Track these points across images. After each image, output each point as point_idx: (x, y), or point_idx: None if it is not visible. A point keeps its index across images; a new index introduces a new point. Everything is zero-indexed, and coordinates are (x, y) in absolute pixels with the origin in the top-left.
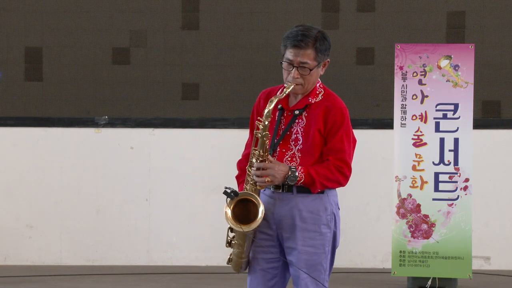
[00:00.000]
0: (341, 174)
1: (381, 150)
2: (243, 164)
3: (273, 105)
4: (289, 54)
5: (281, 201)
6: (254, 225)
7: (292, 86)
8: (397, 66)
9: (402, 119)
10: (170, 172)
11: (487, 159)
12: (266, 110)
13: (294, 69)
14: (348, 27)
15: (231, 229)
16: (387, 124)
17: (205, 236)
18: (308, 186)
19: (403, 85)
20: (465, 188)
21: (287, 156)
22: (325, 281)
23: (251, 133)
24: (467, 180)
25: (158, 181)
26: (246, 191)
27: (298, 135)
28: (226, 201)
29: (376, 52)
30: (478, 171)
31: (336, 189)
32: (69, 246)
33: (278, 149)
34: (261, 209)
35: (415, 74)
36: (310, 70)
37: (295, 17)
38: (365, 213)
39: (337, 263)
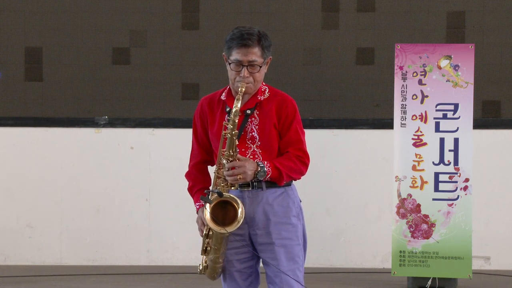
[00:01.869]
0: (302, 163)
1: (381, 150)
2: (193, 174)
3: (239, 103)
4: (236, 54)
5: (251, 198)
6: (237, 225)
7: (245, 85)
8: (397, 66)
9: (402, 119)
10: (170, 172)
11: (487, 159)
12: (234, 109)
13: (244, 69)
14: (348, 27)
15: (207, 235)
16: (387, 124)
17: None
18: (275, 179)
19: (403, 85)
20: (465, 188)
21: (248, 155)
22: (303, 274)
23: (196, 141)
24: (467, 180)
25: (158, 181)
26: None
27: (253, 133)
28: (205, 206)
29: (376, 52)
30: (478, 171)
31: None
32: (69, 246)
33: (237, 150)
34: (241, 209)
35: (415, 74)
36: (260, 67)
37: (295, 17)
38: (365, 213)
39: (337, 263)
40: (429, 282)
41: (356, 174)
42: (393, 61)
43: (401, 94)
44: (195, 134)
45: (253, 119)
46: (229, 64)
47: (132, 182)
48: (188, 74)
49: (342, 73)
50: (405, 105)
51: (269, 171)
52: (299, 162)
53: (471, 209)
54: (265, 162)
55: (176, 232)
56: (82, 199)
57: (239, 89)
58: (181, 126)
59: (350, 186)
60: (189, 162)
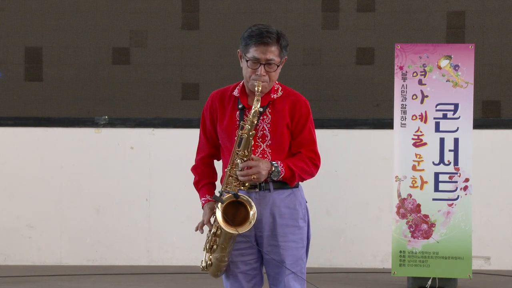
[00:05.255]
0: (314, 165)
1: (381, 150)
2: (200, 169)
3: (259, 104)
4: (254, 52)
5: (258, 200)
6: (249, 226)
7: (262, 84)
8: (397, 66)
9: (402, 119)
10: (170, 172)
11: (487, 159)
12: (253, 110)
13: (261, 67)
14: (348, 27)
15: (215, 234)
16: (387, 124)
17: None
18: (287, 180)
19: (403, 85)
20: (465, 188)
21: (258, 153)
22: (305, 275)
23: (203, 136)
24: (467, 180)
25: (158, 181)
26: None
27: (264, 131)
28: (217, 205)
29: (376, 52)
30: (478, 171)
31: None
32: (69, 246)
33: (252, 150)
34: (253, 211)
35: (415, 74)
36: (277, 66)
37: (295, 17)
38: (365, 213)
39: (337, 263)
40: (429, 282)
41: (356, 174)
42: (393, 61)
43: (401, 94)
44: (203, 128)
45: (265, 117)
46: (246, 61)
47: (132, 182)
48: (188, 74)
49: (342, 73)
50: (405, 105)
51: (283, 171)
52: (311, 164)
53: (471, 209)
54: (279, 162)
55: (176, 232)
56: (82, 199)
57: (256, 88)
58: (181, 126)
59: (350, 186)
60: (196, 156)
